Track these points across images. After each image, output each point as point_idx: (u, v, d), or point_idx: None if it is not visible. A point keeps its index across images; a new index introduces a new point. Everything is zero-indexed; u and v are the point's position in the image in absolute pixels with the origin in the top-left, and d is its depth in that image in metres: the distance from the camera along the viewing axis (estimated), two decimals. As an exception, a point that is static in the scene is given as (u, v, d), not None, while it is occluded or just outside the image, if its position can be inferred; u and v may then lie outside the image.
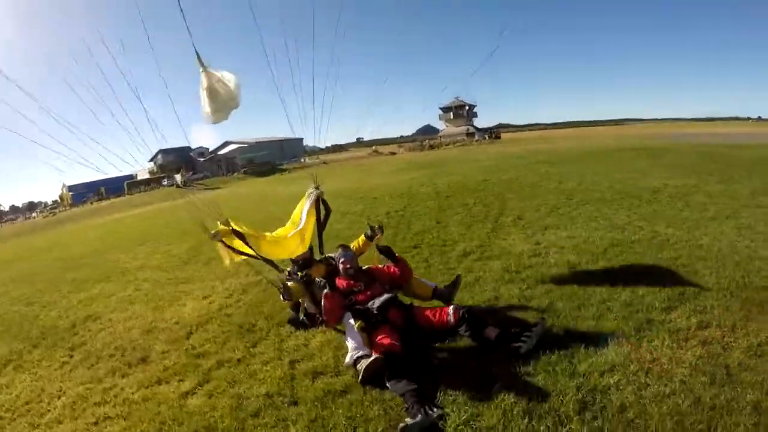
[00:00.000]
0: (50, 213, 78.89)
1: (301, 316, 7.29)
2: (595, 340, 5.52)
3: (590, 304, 6.55)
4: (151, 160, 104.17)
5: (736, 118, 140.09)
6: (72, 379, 7.10)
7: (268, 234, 6.75)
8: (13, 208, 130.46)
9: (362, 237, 7.64)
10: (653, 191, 14.61)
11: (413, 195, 19.95)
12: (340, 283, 6.69)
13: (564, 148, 41.74)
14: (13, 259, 23.79)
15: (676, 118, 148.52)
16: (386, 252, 7.01)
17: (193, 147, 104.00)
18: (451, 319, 5.88)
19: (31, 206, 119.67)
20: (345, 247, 7.14)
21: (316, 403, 5.16)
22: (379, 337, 5.71)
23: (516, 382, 4.94)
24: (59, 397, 6.56)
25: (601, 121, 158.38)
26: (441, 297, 6.83)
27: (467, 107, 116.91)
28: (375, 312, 6.16)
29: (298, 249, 6.83)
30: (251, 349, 6.80)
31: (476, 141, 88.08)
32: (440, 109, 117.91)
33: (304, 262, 7.14)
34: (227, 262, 6.50)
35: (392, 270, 6.92)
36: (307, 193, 7.08)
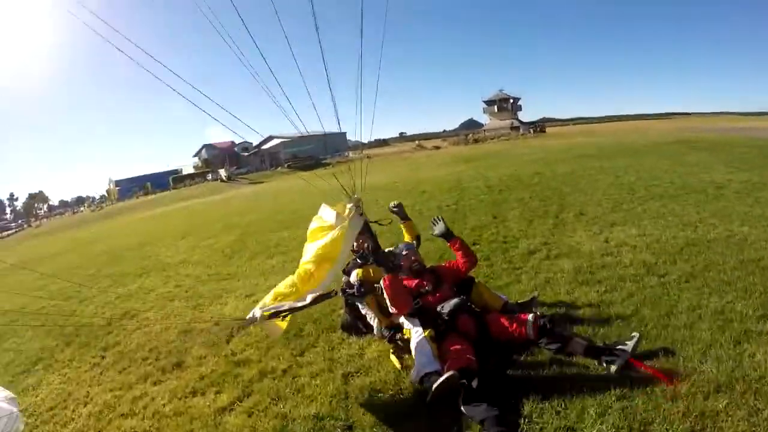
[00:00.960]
0: (98, 207, 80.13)
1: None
2: (692, 353, 4.71)
3: (678, 311, 5.71)
4: (195, 155, 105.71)
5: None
6: (101, 383, 6.51)
7: (303, 272, 5.31)
8: (62, 203, 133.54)
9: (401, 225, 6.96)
10: (717, 186, 13.57)
11: (464, 189, 19.15)
12: (405, 283, 5.82)
13: (613, 142, 40.05)
14: (59, 252, 23.78)
15: (724, 111, 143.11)
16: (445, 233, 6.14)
17: (237, 142, 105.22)
18: (531, 331, 5.04)
19: (80, 200, 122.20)
20: (407, 243, 6.40)
21: (375, 429, 4.37)
22: (452, 350, 4.88)
23: (612, 405, 4.11)
24: (85, 404, 5.99)
25: (646, 114, 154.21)
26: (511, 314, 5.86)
27: (512, 100, 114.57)
28: (446, 317, 5.31)
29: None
30: (298, 358, 6.03)
31: (521, 135, 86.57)
32: (484, 102, 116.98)
33: (368, 255, 6.33)
34: (272, 337, 5.65)
35: (454, 263, 6.08)
36: (345, 216, 5.44)
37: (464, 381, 4.39)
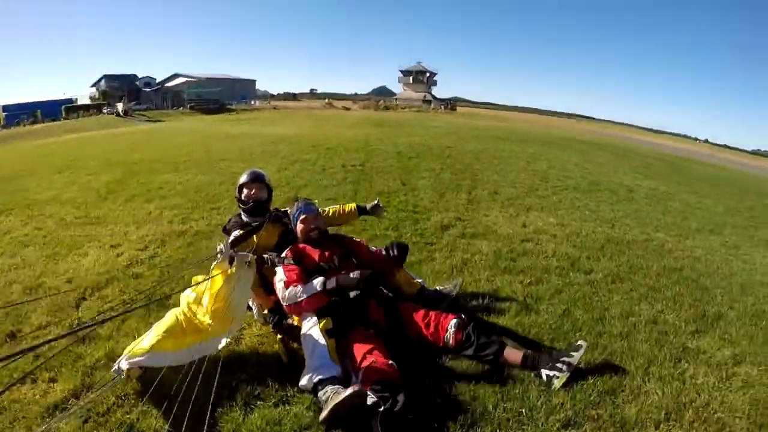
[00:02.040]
0: (-23, 134, 73.55)
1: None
2: (633, 369, 4.24)
3: (612, 316, 5.33)
4: (93, 85, 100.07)
5: (685, 136, 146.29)
6: None
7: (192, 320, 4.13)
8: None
9: (350, 206, 5.64)
10: (628, 189, 14.33)
11: (372, 151, 18.32)
12: (300, 254, 4.68)
13: (522, 129, 41.49)
14: None
15: (626, 122, 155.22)
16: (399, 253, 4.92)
17: (140, 75, 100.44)
18: (450, 339, 4.14)
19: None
20: (306, 201, 5.09)
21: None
22: (363, 351, 3.79)
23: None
24: None
25: (553, 111, 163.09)
26: (429, 303, 4.82)
27: (428, 74, 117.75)
28: (351, 300, 4.31)
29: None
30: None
31: (433, 109, 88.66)
32: (400, 71, 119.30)
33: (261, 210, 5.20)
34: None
35: (377, 253, 5.00)
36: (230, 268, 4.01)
37: (385, 395, 3.38)
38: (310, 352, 3.86)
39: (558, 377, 3.85)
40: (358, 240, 5.20)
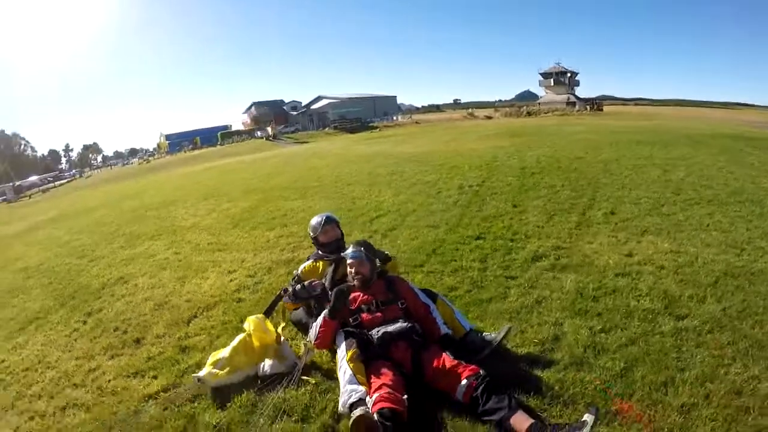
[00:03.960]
0: (144, 160, 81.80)
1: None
2: None
3: (684, 380, 4.17)
4: (245, 112, 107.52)
5: None
6: (72, 349, 6.59)
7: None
8: (117, 154, 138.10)
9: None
10: None
11: (495, 168, 17.09)
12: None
13: (672, 127, 36.20)
14: (96, 206, 23.99)
15: None
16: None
17: (286, 100, 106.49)
18: (461, 396, 4.03)
19: (133, 152, 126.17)
20: (359, 244, 5.44)
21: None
22: (377, 381, 4.15)
23: None
24: (53, 368, 6.10)
25: (710, 102, 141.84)
26: (469, 349, 4.77)
27: (569, 74, 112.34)
28: (375, 343, 4.61)
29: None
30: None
31: (576, 111, 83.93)
32: (540, 74, 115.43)
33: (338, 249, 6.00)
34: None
35: (419, 307, 5.08)
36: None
37: (387, 425, 3.71)
38: (341, 379, 4.40)
39: None
40: (410, 285, 5.33)
